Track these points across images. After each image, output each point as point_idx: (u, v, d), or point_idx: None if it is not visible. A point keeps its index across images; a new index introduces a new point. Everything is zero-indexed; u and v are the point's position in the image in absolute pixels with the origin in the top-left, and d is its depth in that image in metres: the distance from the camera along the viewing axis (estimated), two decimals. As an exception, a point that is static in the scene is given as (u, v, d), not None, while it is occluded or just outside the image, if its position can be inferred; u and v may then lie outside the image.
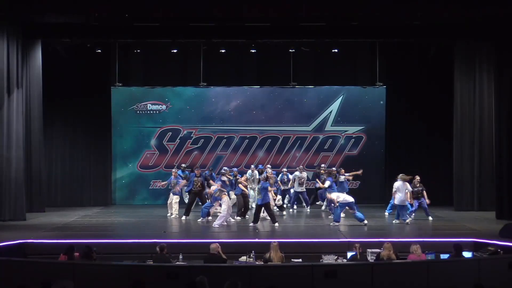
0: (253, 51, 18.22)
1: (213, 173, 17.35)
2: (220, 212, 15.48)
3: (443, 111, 18.62)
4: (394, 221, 15.38)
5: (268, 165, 17.84)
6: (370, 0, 15.31)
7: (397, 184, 15.36)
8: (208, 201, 15.83)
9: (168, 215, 16.61)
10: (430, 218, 15.79)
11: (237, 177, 16.32)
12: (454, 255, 10.44)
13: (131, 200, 19.76)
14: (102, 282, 8.69)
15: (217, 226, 14.72)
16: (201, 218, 15.71)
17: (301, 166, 18.40)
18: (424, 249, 10.74)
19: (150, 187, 19.71)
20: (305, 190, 17.85)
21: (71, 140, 19.40)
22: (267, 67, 19.68)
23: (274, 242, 10.72)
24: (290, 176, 17.70)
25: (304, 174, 17.86)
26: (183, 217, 16.11)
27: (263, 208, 15.16)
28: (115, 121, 19.60)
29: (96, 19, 15.68)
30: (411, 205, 15.58)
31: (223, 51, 18.16)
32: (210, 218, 15.74)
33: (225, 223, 15.02)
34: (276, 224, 14.84)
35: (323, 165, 18.44)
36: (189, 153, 19.73)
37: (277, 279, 8.58)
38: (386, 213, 16.56)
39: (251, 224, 14.92)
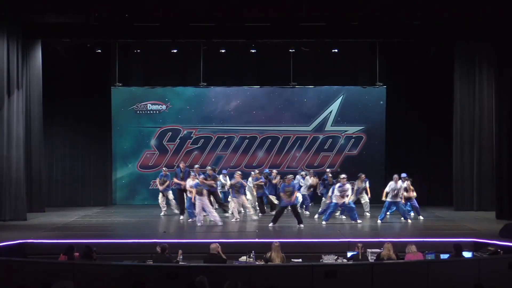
0: (253, 51, 18.23)
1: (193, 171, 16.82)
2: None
3: (443, 111, 18.62)
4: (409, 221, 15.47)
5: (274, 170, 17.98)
6: (370, 0, 15.31)
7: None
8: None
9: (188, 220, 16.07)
10: (421, 217, 15.81)
11: (269, 177, 16.91)
12: (454, 255, 10.43)
13: (131, 200, 19.75)
14: (102, 282, 8.69)
15: (200, 224, 14.85)
16: (190, 218, 15.72)
17: (311, 171, 18.10)
18: (424, 249, 10.76)
19: (150, 187, 19.69)
20: (306, 193, 17.84)
21: (71, 140, 19.42)
22: (267, 67, 19.69)
23: (276, 242, 10.66)
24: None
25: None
26: (181, 217, 16.13)
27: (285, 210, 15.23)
28: (115, 121, 19.59)
29: (96, 19, 15.69)
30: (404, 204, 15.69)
31: (223, 51, 18.17)
32: (205, 215, 15.71)
33: (220, 222, 14.95)
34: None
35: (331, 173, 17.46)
36: (189, 153, 19.71)
37: (277, 279, 8.58)
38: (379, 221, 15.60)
39: (271, 224, 14.80)
